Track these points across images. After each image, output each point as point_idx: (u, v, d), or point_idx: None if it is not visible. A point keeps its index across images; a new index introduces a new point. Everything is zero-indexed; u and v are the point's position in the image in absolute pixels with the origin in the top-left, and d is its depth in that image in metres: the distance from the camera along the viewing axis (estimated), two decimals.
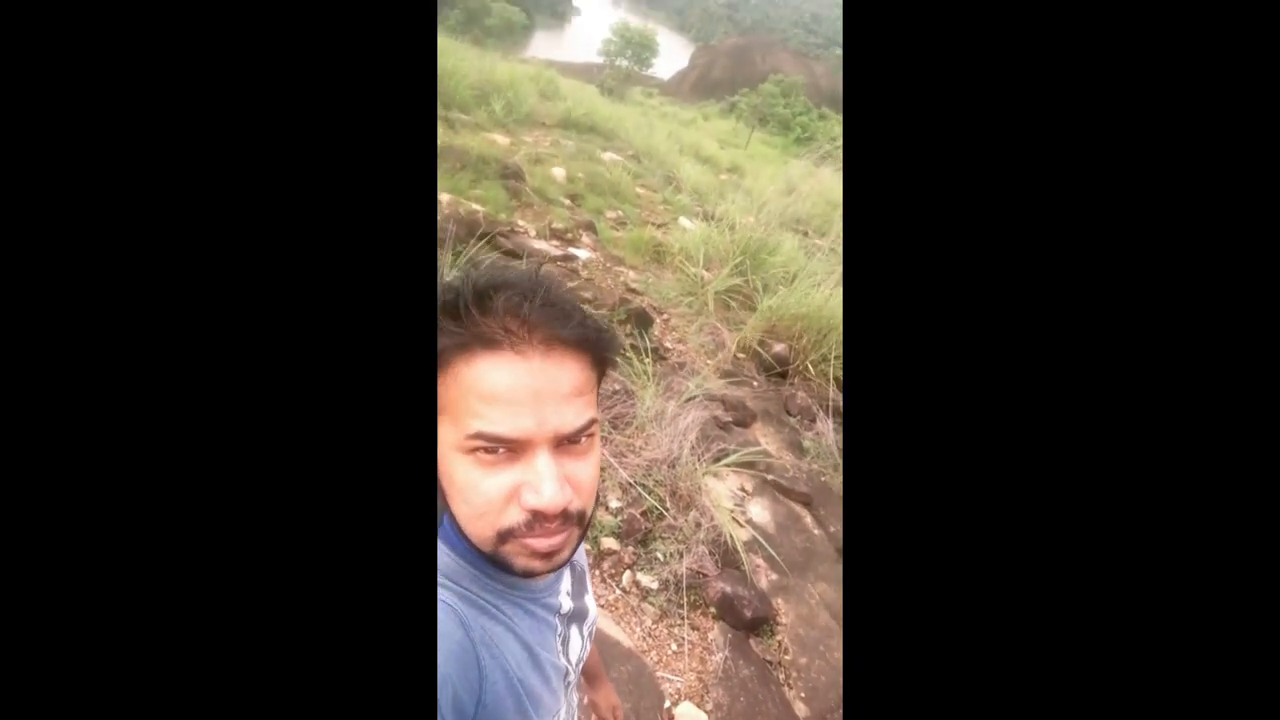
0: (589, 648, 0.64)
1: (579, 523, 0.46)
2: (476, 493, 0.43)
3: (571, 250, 3.76)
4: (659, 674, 1.59)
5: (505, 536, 0.44)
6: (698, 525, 1.96)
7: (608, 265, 3.79)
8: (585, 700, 0.85)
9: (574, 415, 0.44)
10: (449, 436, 0.44)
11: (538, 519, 0.43)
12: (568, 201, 4.66)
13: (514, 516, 0.43)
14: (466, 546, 0.47)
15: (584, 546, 0.67)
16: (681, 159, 7.67)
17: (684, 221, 5.00)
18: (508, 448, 0.42)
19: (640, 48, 25.00)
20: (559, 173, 5.13)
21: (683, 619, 1.73)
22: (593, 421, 0.45)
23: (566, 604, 0.58)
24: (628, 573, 1.82)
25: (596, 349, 0.46)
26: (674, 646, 1.67)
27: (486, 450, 0.42)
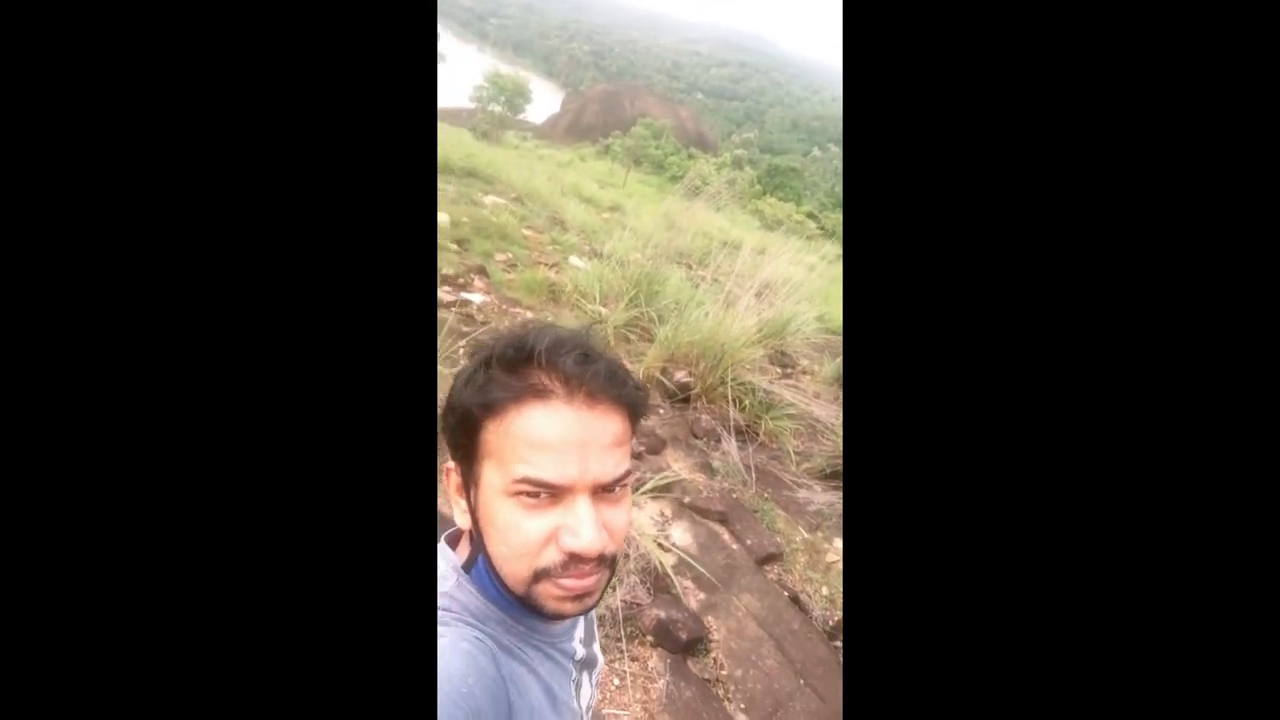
0: (596, 695, 0.66)
1: (610, 566, 0.49)
2: (517, 533, 0.46)
3: (464, 295, 3.70)
4: (606, 712, 1.58)
5: (540, 576, 0.46)
6: (626, 556, 1.98)
7: (503, 308, 3.77)
8: None
9: (613, 465, 0.47)
10: (494, 480, 0.47)
11: (574, 561, 0.46)
12: (455, 246, 4.59)
13: (551, 557, 0.46)
14: (498, 591, 0.49)
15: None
16: (564, 199, 7.81)
17: (574, 260, 5.08)
18: (550, 493, 0.45)
19: (514, 94, 25.28)
20: (444, 218, 5.05)
21: (622, 652, 1.73)
22: (629, 472, 0.49)
23: (580, 651, 0.60)
24: None
25: (635, 407, 0.50)
26: (616, 681, 1.66)
27: (529, 494, 0.45)
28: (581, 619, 0.62)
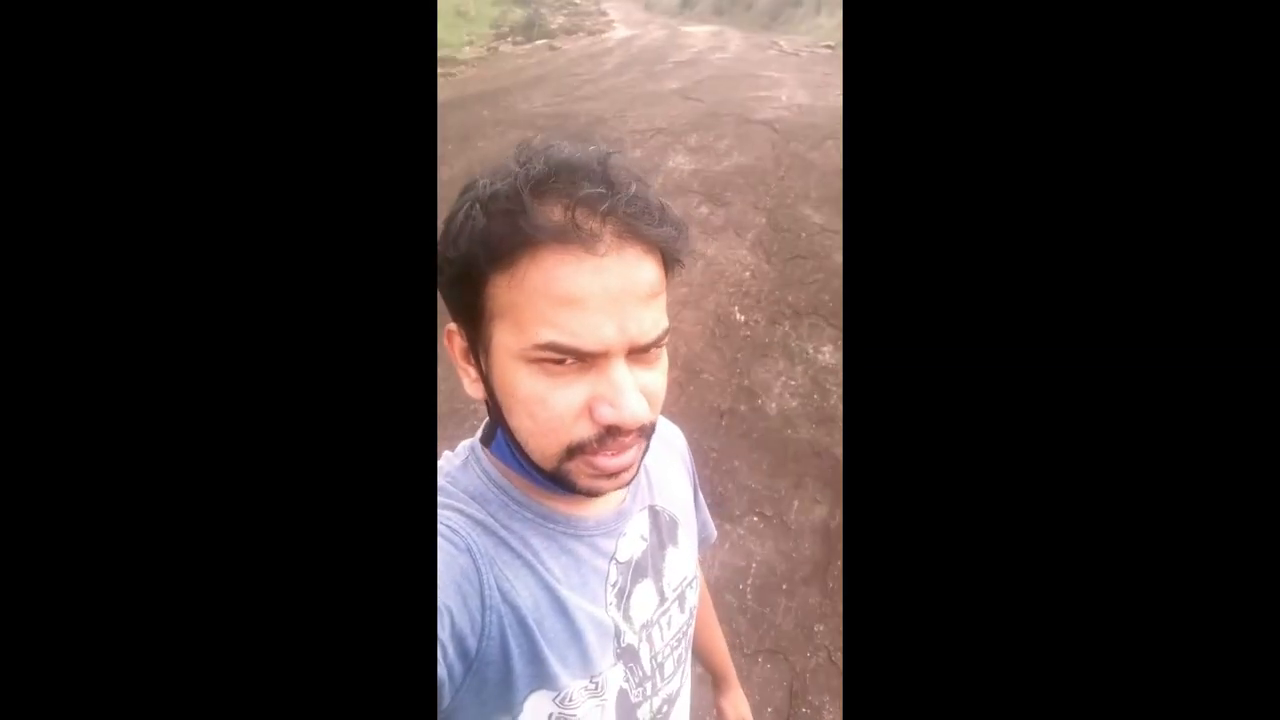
0: (685, 621, 0.56)
1: (647, 436, 0.43)
2: (544, 407, 0.39)
3: None
4: None
5: (574, 451, 0.40)
6: None
7: None
8: (712, 706, 0.77)
9: (651, 323, 0.39)
10: (508, 343, 0.39)
11: (611, 434, 0.40)
12: None
13: (585, 431, 0.40)
14: (521, 466, 0.43)
15: (678, 501, 0.58)
16: None
17: None
18: (580, 358, 0.38)
19: None
20: None
21: None
22: (667, 331, 0.41)
23: (630, 550, 0.50)
24: None
25: (671, 247, 0.41)
26: None
27: (554, 361, 0.38)
28: (646, 517, 0.52)
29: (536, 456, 0.41)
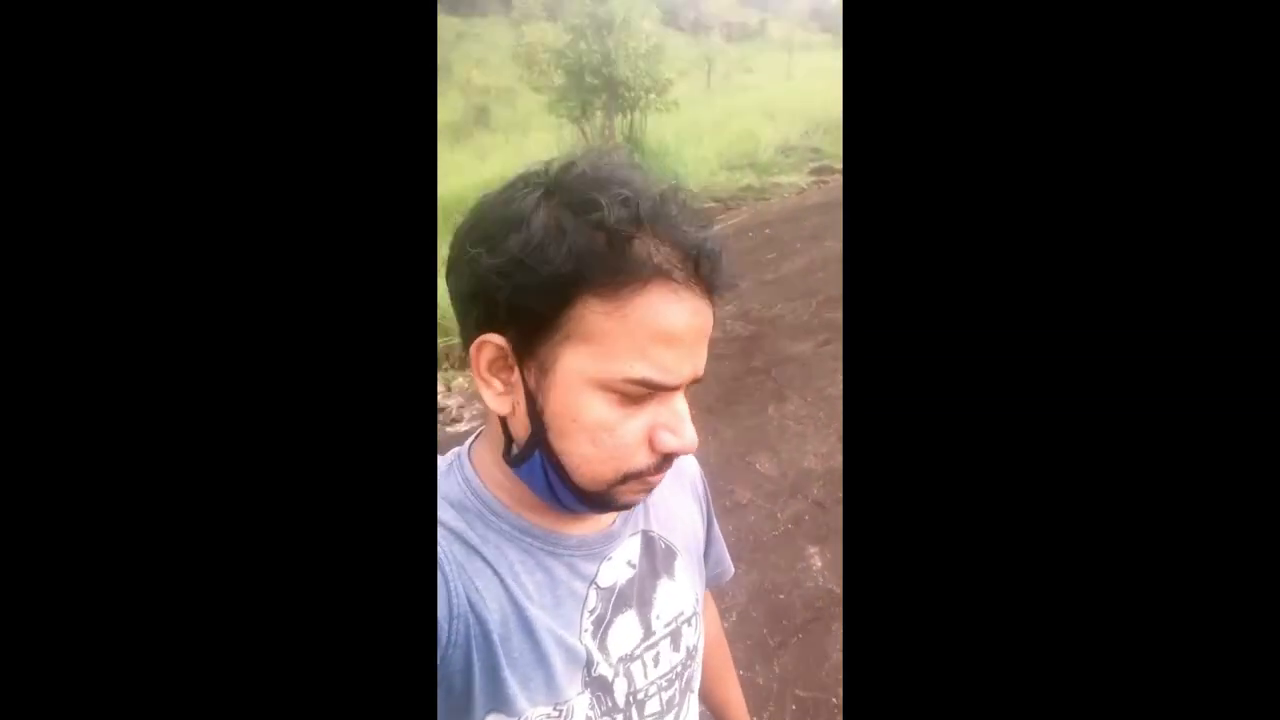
0: (680, 661, 0.52)
1: None
2: (611, 435, 0.39)
3: None
4: None
5: (629, 477, 0.41)
6: None
7: None
8: None
9: (704, 360, 0.41)
10: (585, 367, 0.38)
11: (667, 460, 0.41)
12: None
13: (644, 459, 0.40)
14: (548, 489, 0.41)
15: (679, 532, 0.55)
16: None
17: None
18: (655, 390, 0.39)
19: None
20: None
21: None
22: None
23: (613, 576, 0.48)
24: None
25: (722, 287, 0.41)
26: None
27: (635, 394, 0.38)
28: (638, 542, 0.50)
29: (586, 481, 0.41)
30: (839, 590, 1.80)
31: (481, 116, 10.52)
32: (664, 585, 0.51)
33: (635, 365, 0.37)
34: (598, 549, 0.47)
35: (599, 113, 6.33)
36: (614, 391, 0.38)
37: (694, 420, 0.42)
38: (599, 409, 0.39)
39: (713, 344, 0.43)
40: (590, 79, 6.10)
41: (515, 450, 0.43)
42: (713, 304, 0.41)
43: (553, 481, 0.41)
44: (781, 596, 1.81)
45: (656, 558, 0.52)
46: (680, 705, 0.53)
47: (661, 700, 0.51)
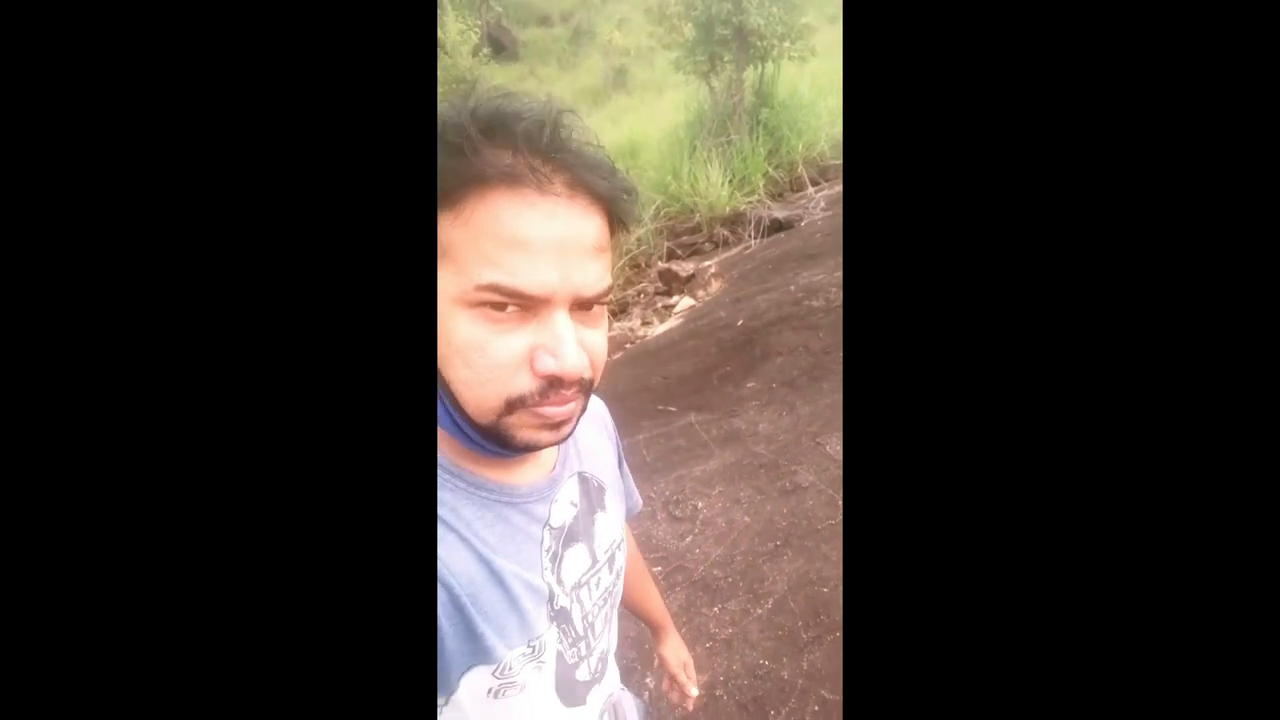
0: (613, 581, 0.56)
1: (587, 393, 0.43)
2: (482, 355, 0.38)
3: None
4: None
5: (514, 405, 0.39)
6: None
7: None
8: (655, 657, 0.82)
9: (596, 277, 0.39)
10: (449, 287, 0.38)
11: (553, 386, 0.39)
12: None
13: (525, 383, 0.39)
14: (453, 424, 0.41)
15: (604, 467, 0.59)
16: None
17: None
18: (522, 304, 0.37)
19: None
20: None
21: None
22: (610, 288, 0.41)
23: (562, 516, 0.50)
24: None
25: (621, 207, 0.41)
26: None
27: (495, 306, 0.37)
28: (575, 484, 0.52)
29: (472, 410, 0.39)
30: None
31: (619, 79, 10.56)
32: (600, 517, 0.55)
33: (483, 272, 0.36)
34: (547, 492, 0.49)
35: (729, 66, 6.04)
36: (474, 306, 0.37)
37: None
38: (466, 328, 0.38)
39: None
40: (720, 29, 5.81)
41: None
42: (604, 218, 0.40)
43: (452, 414, 0.41)
44: (825, 590, 1.68)
45: (591, 494, 0.55)
46: (611, 618, 0.58)
47: (602, 617, 0.55)
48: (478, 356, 0.38)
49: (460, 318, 0.38)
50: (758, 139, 5.74)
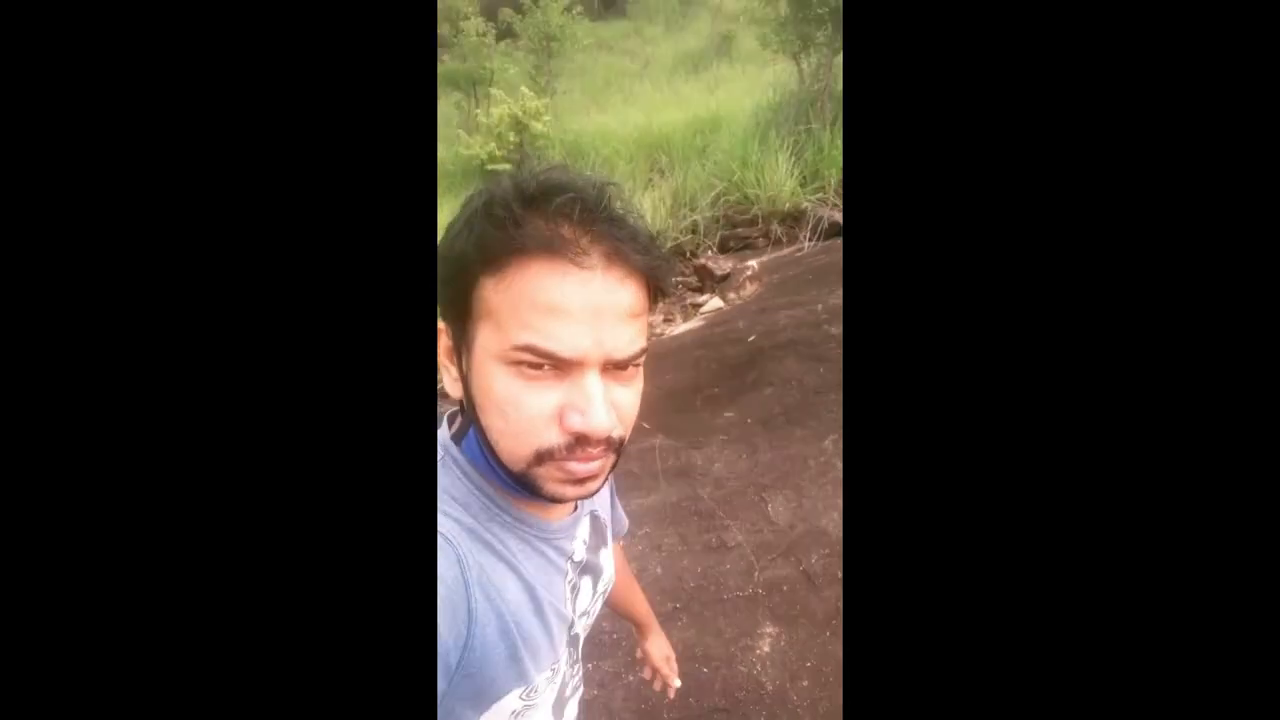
0: (598, 606, 0.61)
1: (617, 450, 0.44)
2: (516, 408, 0.41)
3: None
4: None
5: (543, 457, 0.42)
6: None
7: None
8: (638, 651, 0.86)
9: (628, 340, 0.41)
10: (490, 344, 0.41)
11: (580, 443, 0.41)
12: None
13: (554, 437, 0.41)
14: (489, 466, 0.45)
15: (608, 506, 0.64)
16: None
17: None
18: (555, 365, 0.40)
19: None
20: None
21: None
22: (644, 350, 0.43)
23: (580, 552, 0.55)
24: None
25: (657, 275, 0.43)
26: None
27: (531, 365, 0.40)
28: (588, 522, 0.57)
29: (505, 458, 0.43)
30: (771, 688, 1.49)
31: (724, 45, 10.05)
32: (603, 552, 0.60)
33: (520, 334, 0.39)
34: (570, 531, 0.53)
35: (821, 48, 5.55)
36: (512, 364, 0.40)
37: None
38: (503, 382, 0.41)
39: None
40: (819, 7, 5.34)
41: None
42: (641, 285, 0.42)
43: (487, 457, 0.44)
44: (705, 670, 1.56)
45: (599, 533, 0.60)
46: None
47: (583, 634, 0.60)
48: (512, 409, 0.41)
49: (499, 373, 0.41)
50: (838, 131, 5.29)
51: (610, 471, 0.46)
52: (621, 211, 0.42)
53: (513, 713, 0.48)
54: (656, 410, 2.73)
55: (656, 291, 0.44)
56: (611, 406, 0.42)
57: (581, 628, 0.57)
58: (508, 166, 5.49)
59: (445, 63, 7.19)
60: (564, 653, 0.52)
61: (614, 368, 0.42)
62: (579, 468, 0.42)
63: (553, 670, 0.50)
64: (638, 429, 2.79)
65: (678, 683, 0.85)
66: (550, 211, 0.40)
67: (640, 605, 0.84)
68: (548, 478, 0.42)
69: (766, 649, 1.58)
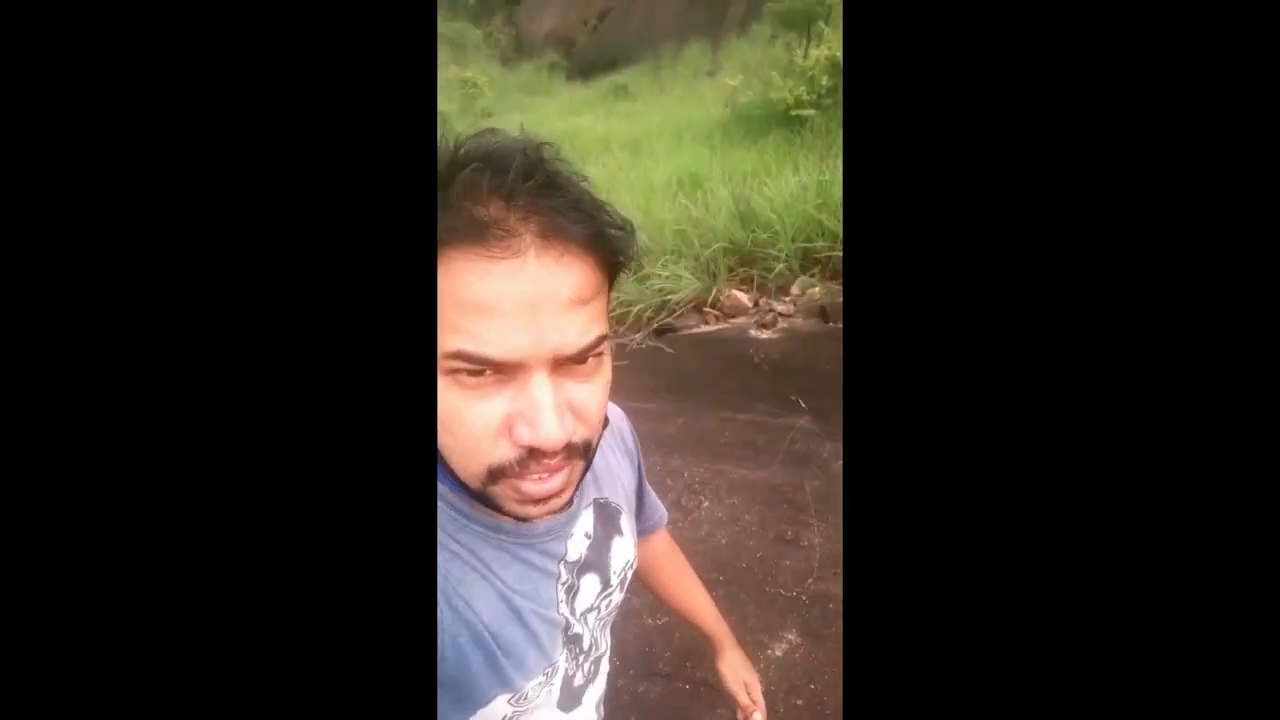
0: (623, 598, 0.56)
1: (583, 455, 0.40)
2: (460, 423, 0.36)
3: None
4: None
5: (496, 475, 0.37)
6: None
7: None
8: (715, 669, 0.75)
9: (578, 331, 0.35)
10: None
11: (534, 456, 0.36)
12: None
13: (505, 452, 0.36)
14: (453, 483, 0.40)
15: (625, 491, 0.57)
16: None
17: None
18: (495, 370, 0.35)
19: None
20: None
21: None
22: (601, 338, 0.37)
23: (578, 550, 0.49)
24: None
25: (608, 247, 0.37)
26: None
27: (470, 373, 0.35)
28: (591, 513, 0.51)
29: (463, 476, 0.38)
30: (765, 691, 1.44)
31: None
32: (615, 542, 0.54)
33: (450, 339, 0.34)
34: (563, 530, 0.48)
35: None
36: (449, 374, 0.35)
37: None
38: (446, 397, 0.36)
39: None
40: None
41: None
42: (589, 263, 0.36)
43: (450, 476, 0.40)
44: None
45: (608, 521, 0.53)
46: (609, 624, 0.57)
47: (605, 629, 0.55)
48: (457, 425, 0.36)
49: (441, 386, 0.35)
50: None
51: (582, 478, 0.41)
52: (560, 177, 0.35)
53: (504, 718, 0.45)
54: (816, 391, 2.59)
55: (613, 265, 0.38)
56: (567, 409, 0.36)
57: (590, 624, 0.51)
58: (812, 113, 5.08)
59: (782, 1, 6.78)
60: (562, 654, 0.48)
61: (567, 363, 0.36)
62: (535, 489, 0.37)
63: (545, 675, 0.47)
64: (790, 403, 2.62)
65: (760, 717, 0.72)
66: (459, 191, 0.34)
67: (704, 609, 0.74)
68: (506, 497, 0.38)
69: (780, 654, 1.51)
